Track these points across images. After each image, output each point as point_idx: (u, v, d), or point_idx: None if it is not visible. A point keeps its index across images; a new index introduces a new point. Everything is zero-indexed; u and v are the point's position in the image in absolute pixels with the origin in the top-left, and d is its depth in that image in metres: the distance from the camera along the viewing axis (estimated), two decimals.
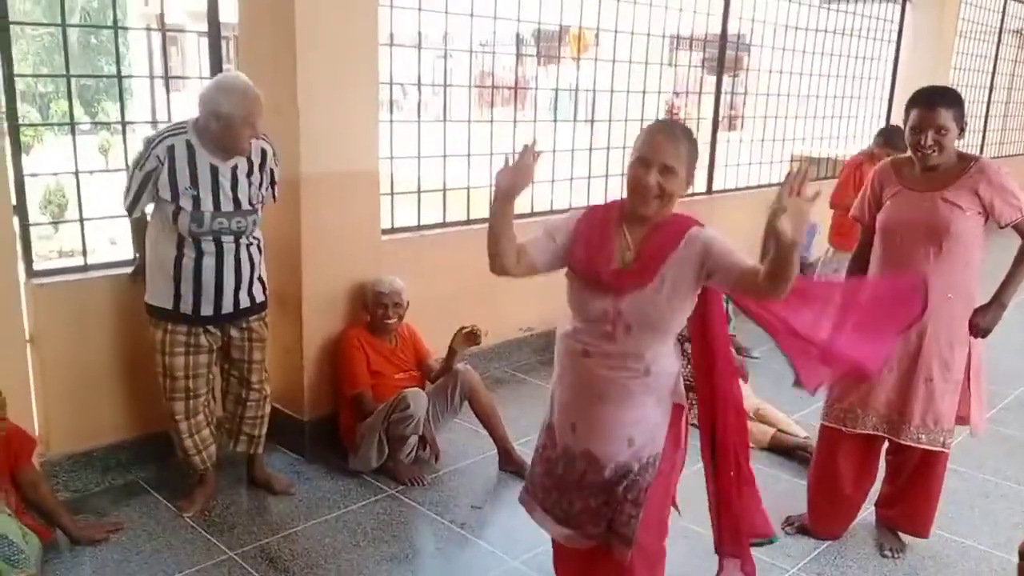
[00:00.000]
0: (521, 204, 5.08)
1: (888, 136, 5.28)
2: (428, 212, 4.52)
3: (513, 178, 2.05)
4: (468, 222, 4.71)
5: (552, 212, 5.13)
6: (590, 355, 2.17)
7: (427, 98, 4.40)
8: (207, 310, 3.07)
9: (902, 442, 2.97)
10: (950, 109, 2.78)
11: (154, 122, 3.68)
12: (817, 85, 7.49)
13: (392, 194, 4.24)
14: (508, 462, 3.68)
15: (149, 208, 3.08)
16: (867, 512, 3.29)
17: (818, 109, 7.62)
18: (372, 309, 3.68)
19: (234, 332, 3.20)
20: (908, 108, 2.86)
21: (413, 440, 3.56)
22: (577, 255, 2.17)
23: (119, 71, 3.40)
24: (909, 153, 2.91)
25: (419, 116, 4.36)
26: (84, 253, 3.37)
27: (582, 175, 5.35)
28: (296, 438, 3.77)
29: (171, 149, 2.93)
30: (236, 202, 3.03)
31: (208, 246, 3.01)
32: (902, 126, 2.93)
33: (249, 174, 3.06)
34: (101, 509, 3.24)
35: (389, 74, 4.13)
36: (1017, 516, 3.47)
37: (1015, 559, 3.12)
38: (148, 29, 14.82)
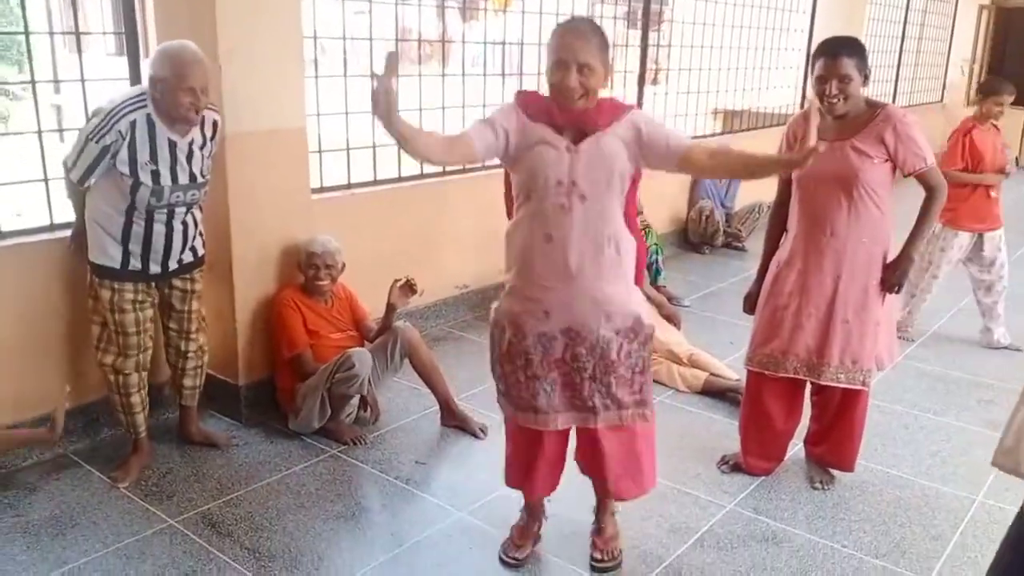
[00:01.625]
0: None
1: (989, 88, 4.77)
2: (358, 170, 4.43)
3: (383, 99, 2.01)
4: (399, 179, 4.65)
5: (484, 167, 5.11)
6: (553, 239, 2.28)
7: (348, 55, 4.29)
8: (155, 269, 3.11)
9: (823, 383, 3.09)
10: (852, 58, 2.84)
11: (56, 81, 3.51)
12: (738, 37, 7.59)
13: (320, 152, 4.15)
14: (450, 417, 3.70)
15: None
16: (797, 448, 3.43)
17: (739, 61, 7.73)
18: (304, 270, 3.61)
19: (177, 283, 3.24)
20: (814, 59, 2.93)
21: (354, 400, 3.54)
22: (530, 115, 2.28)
23: (26, 28, 3.22)
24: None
25: (345, 71, 4.25)
26: None
27: None
28: (232, 403, 3.70)
29: (133, 124, 2.88)
30: (192, 176, 3.04)
31: (160, 216, 3.03)
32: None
33: (202, 146, 3.07)
34: (30, 484, 3.13)
35: (313, 29, 4.01)
36: (936, 445, 3.66)
37: (935, 485, 3.32)
38: None
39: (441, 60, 5.04)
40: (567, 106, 2.22)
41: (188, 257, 3.20)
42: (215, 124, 3.12)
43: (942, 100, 12.65)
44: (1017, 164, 11.96)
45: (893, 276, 3.01)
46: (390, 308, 3.65)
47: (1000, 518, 3.09)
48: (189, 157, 3.02)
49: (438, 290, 4.84)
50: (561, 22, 2.29)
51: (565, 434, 2.62)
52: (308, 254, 3.57)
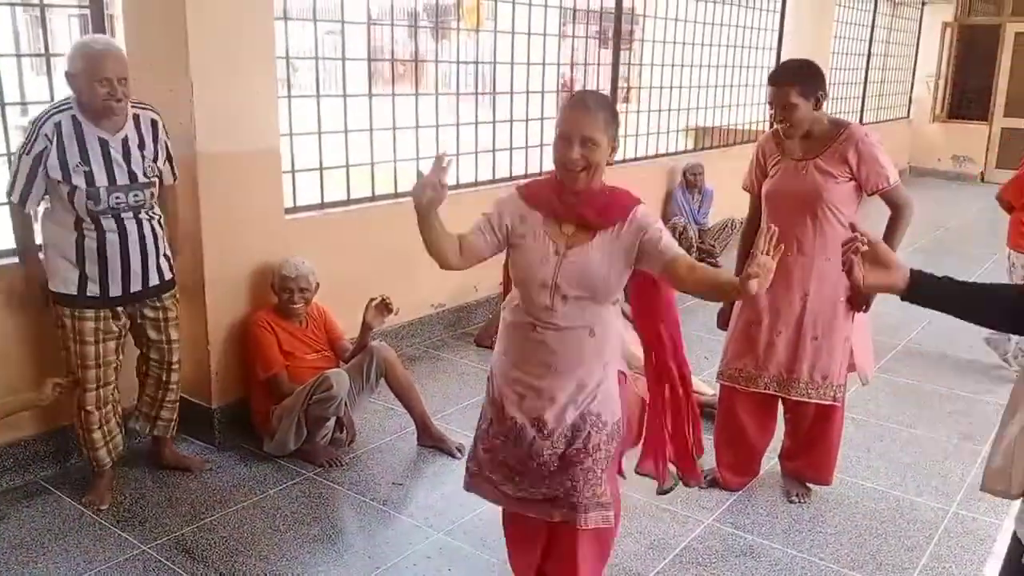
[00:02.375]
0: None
1: None
2: (331, 190, 4.42)
3: (430, 194, 2.08)
4: (373, 198, 4.65)
5: (458, 186, 5.12)
6: (537, 329, 2.25)
7: (320, 75, 4.29)
8: (115, 290, 3.01)
9: (794, 399, 3.12)
10: (795, 85, 2.86)
11: (24, 103, 3.50)
12: (710, 55, 7.69)
13: (293, 171, 4.13)
14: (427, 437, 3.67)
15: (42, 207, 2.97)
16: (773, 462, 3.45)
17: (709, 79, 7.82)
18: (278, 292, 3.59)
19: (148, 312, 3.16)
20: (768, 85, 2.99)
21: (330, 422, 3.51)
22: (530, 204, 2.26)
23: None
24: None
25: (318, 91, 4.25)
26: None
27: (485, 148, 5.35)
28: (205, 426, 3.66)
29: (58, 126, 2.83)
30: (131, 175, 2.95)
31: (108, 223, 2.94)
32: None
33: (141, 146, 2.99)
34: None
35: (285, 49, 4.00)
36: (910, 456, 3.69)
37: (910, 496, 3.35)
38: (13, 4, 13.84)
39: (414, 80, 5.06)
40: (569, 190, 2.18)
41: (154, 279, 3.10)
42: (154, 123, 3.04)
43: (908, 116, 12.89)
44: (983, 179, 12.18)
45: (860, 296, 3.04)
46: (366, 327, 3.63)
47: (972, 528, 3.13)
48: (127, 156, 2.93)
49: (414, 309, 4.83)
50: (571, 95, 2.29)
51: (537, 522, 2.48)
52: (282, 277, 3.55)
